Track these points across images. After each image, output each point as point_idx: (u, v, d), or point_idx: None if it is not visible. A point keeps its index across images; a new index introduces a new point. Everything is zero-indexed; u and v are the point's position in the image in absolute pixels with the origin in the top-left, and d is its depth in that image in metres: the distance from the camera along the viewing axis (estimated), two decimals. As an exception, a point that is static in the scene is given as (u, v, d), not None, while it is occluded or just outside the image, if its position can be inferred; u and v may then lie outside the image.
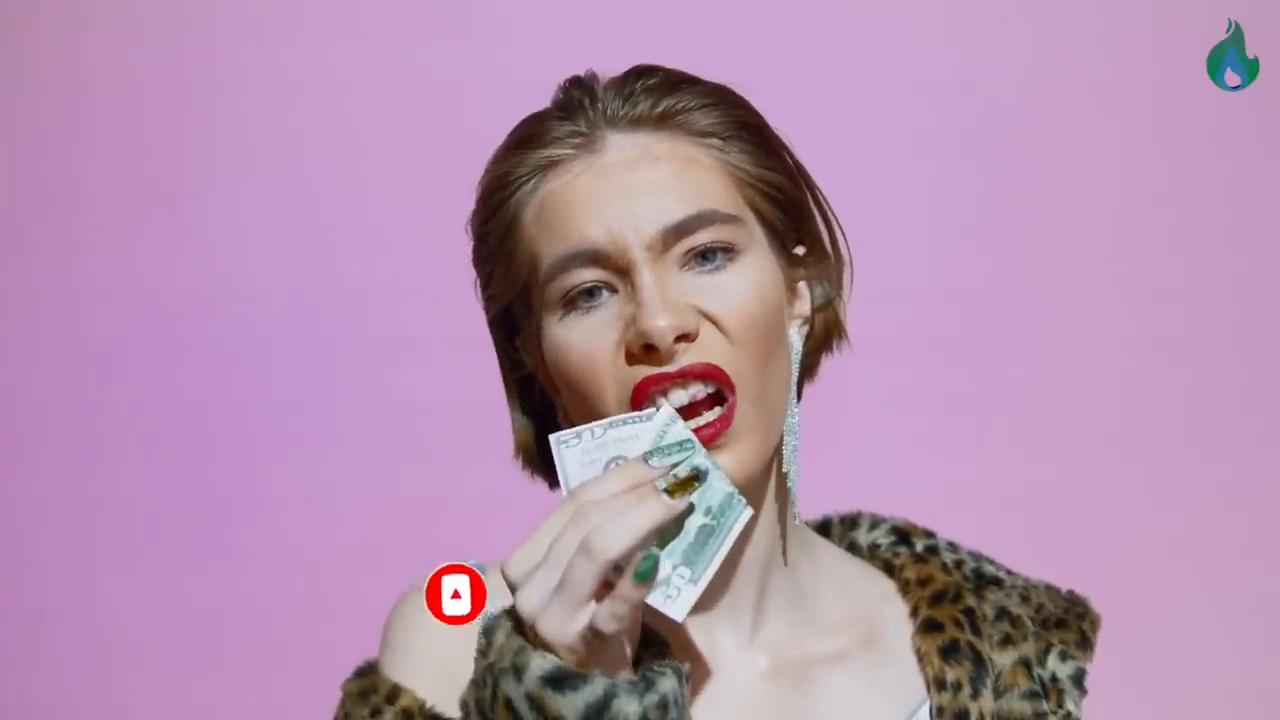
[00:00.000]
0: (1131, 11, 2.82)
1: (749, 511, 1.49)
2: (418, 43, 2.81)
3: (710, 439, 1.52)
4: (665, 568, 1.46)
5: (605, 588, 1.43)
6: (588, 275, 1.55)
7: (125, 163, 2.84)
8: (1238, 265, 2.82)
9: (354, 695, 1.60)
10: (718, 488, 1.48)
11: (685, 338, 1.53)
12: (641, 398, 1.53)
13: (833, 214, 1.67)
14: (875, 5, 2.83)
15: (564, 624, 1.42)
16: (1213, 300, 2.82)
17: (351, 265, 2.82)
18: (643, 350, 1.53)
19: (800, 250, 1.64)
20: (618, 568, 1.43)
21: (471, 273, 1.66)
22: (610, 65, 1.67)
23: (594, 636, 1.42)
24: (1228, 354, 2.82)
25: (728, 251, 1.56)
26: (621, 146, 1.58)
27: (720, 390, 1.54)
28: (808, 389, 1.69)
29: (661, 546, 1.46)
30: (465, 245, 1.65)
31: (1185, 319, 2.82)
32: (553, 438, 1.50)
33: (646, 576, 1.41)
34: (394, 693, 1.59)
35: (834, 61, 2.81)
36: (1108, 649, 1.76)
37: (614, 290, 1.55)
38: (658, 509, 1.43)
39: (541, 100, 1.66)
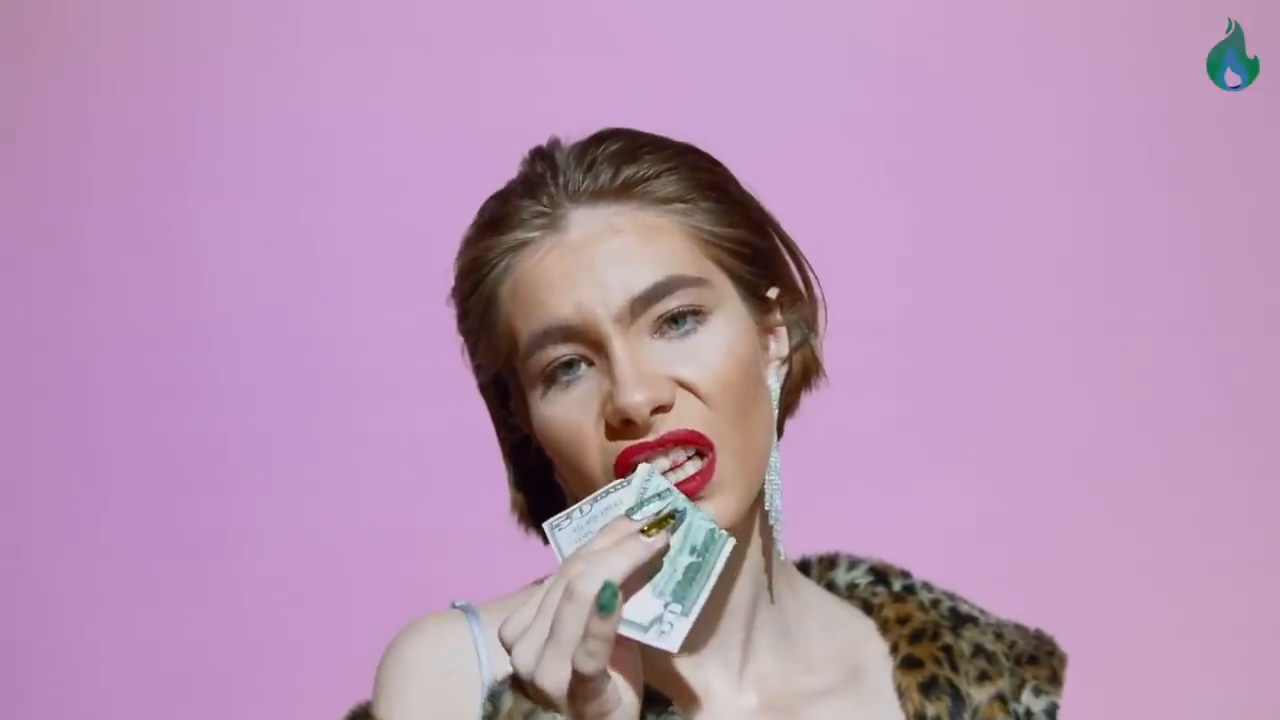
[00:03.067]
0: (1131, 11, 2.81)
1: (732, 541, 1.54)
2: (410, 81, 2.81)
3: (693, 492, 1.57)
4: (657, 606, 1.51)
5: None
6: (563, 351, 1.60)
7: (110, 197, 2.85)
8: (1236, 267, 2.82)
9: None
10: (699, 525, 1.54)
11: (662, 409, 1.58)
12: (624, 469, 1.58)
13: (804, 257, 1.70)
14: (877, 4, 2.84)
15: (558, 673, 1.47)
16: (1211, 307, 2.82)
17: (338, 301, 2.82)
18: (622, 424, 1.57)
19: (774, 292, 1.67)
20: None
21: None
22: (593, 108, 1.70)
23: (579, 682, 1.47)
24: (1224, 363, 2.82)
25: (697, 314, 1.60)
26: (584, 222, 1.61)
27: (700, 449, 1.58)
28: (793, 425, 1.73)
29: (654, 588, 1.52)
30: (451, 282, 1.69)
31: (1183, 320, 2.82)
32: (546, 525, 1.57)
33: (609, 608, 1.46)
34: None
35: (831, 87, 2.82)
36: (1089, 675, 1.79)
37: (590, 363, 1.59)
38: (635, 548, 1.50)
39: (526, 140, 1.69)
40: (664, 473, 1.57)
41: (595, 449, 1.59)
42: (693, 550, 1.53)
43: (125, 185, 2.85)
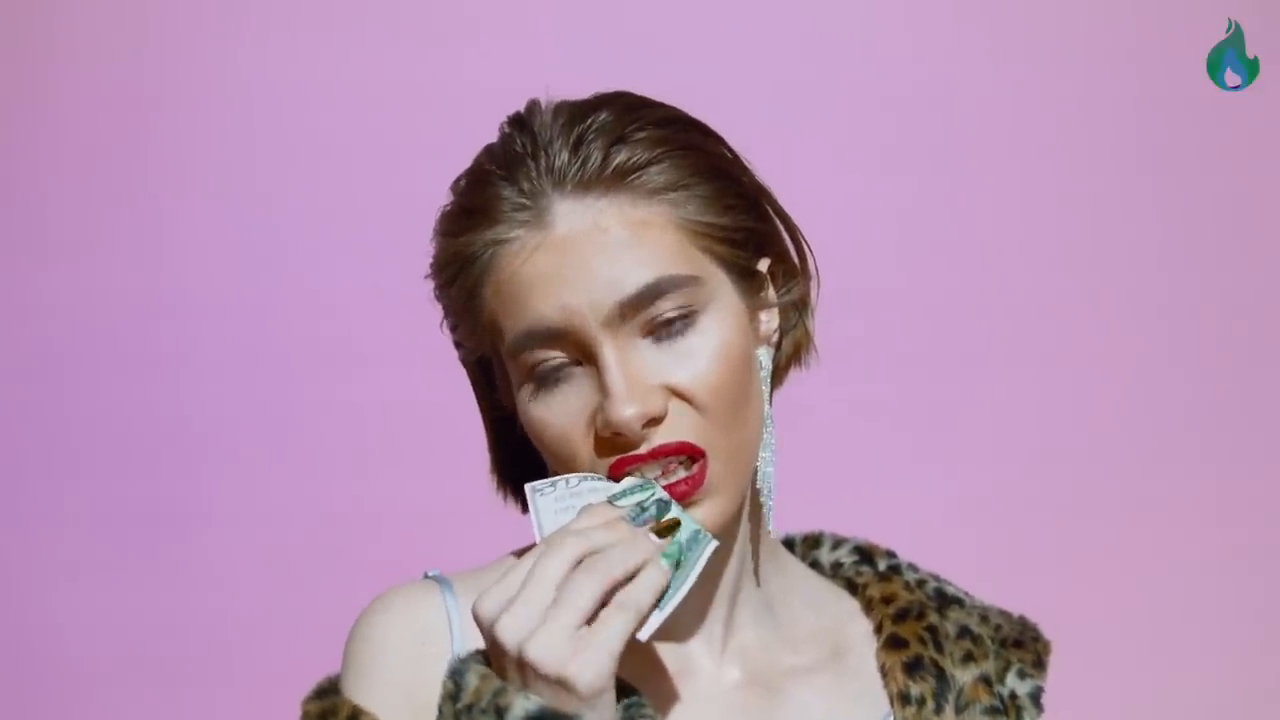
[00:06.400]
0: (1132, 11, 2.81)
1: (715, 543, 1.52)
2: (378, 50, 2.80)
3: (683, 496, 1.54)
4: None
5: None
6: (549, 354, 1.55)
7: (81, 170, 2.83)
8: (1235, 266, 2.82)
9: (314, 716, 1.59)
10: (685, 525, 1.52)
11: (654, 421, 1.54)
12: (615, 478, 1.55)
13: (799, 232, 1.65)
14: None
15: (558, 645, 1.42)
16: (1209, 303, 2.81)
17: (308, 274, 2.81)
18: (613, 435, 1.54)
19: (764, 264, 1.62)
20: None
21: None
22: (576, 74, 1.65)
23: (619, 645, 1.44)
24: (1222, 358, 2.82)
25: (688, 316, 1.55)
26: (569, 217, 1.54)
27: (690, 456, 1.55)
28: (781, 396, 1.69)
29: None
30: (419, 257, 1.63)
31: (1182, 320, 2.82)
32: (528, 487, 1.54)
33: (675, 557, 1.46)
34: (354, 716, 1.57)
35: (822, 67, 2.81)
36: (1081, 656, 1.77)
37: (579, 363, 1.55)
38: (647, 545, 1.47)
39: (502, 107, 1.62)
40: (654, 478, 1.54)
41: (585, 457, 1.55)
42: (676, 547, 1.50)
43: (89, 151, 2.83)
